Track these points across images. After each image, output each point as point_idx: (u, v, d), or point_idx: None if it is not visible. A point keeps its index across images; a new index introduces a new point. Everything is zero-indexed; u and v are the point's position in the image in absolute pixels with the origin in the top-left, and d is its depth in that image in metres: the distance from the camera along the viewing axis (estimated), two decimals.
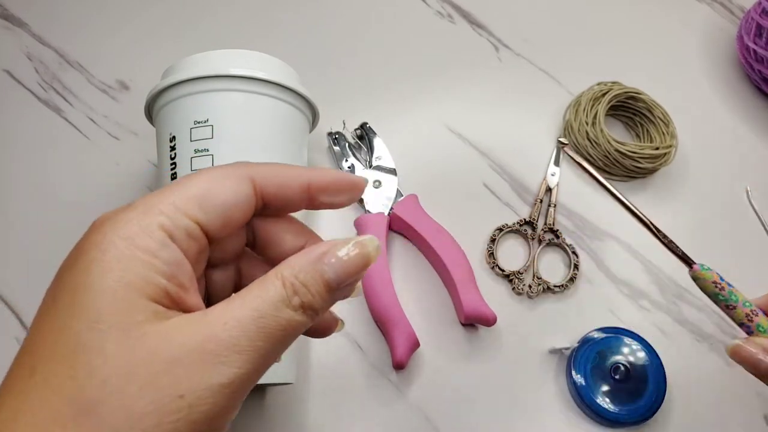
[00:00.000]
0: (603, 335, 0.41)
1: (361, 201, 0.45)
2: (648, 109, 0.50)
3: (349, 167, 0.46)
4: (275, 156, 0.37)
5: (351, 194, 0.24)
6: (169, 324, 0.19)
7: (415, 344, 0.40)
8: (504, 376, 0.41)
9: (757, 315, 0.34)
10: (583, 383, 0.40)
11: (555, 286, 0.44)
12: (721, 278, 0.35)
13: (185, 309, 0.20)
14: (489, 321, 0.41)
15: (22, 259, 0.43)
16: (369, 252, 0.21)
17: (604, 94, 0.49)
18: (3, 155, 0.46)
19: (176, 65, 0.38)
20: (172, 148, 0.37)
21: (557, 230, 0.46)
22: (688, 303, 0.45)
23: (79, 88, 0.49)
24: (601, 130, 0.48)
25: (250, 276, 0.25)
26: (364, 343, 0.42)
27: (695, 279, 0.35)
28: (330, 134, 0.47)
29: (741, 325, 0.35)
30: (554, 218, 0.47)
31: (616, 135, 0.50)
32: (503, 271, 0.44)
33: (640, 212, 0.37)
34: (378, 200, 0.45)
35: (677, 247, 0.36)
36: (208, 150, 0.36)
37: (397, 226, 0.45)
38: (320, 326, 0.25)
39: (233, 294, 0.20)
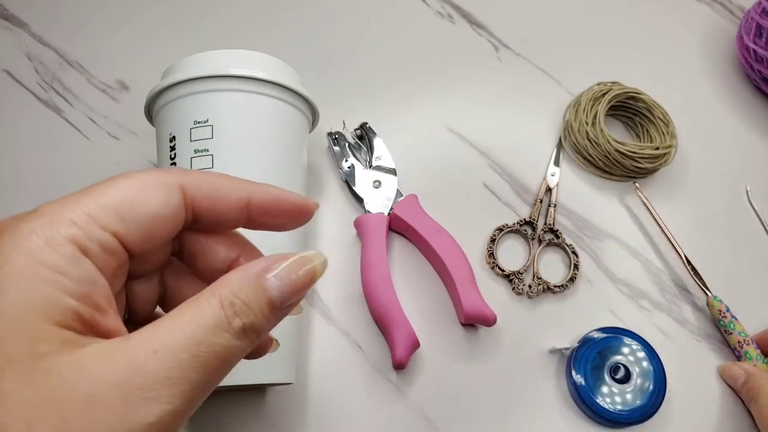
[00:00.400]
0: (603, 335, 0.41)
1: (361, 201, 0.45)
2: (648, 109, 0.50)
3: (349, 167, 0.46)
4: (275, 156, 0.37)
5: (297, 219, 0.22)
6: (82, 354, 0.16)
7: (415, 344, 0.40)
8: (504, 376, 0.41)
9: (748, 344, 0.42)
10: (583, 383, 0.40)
11: (555, 286, 0.44)
12: (728, 309, 0.43)
13: (102, 334, 0.17)
14: (489, 321, 0.41)
15: None
16: (315, 268, 0.20)
17: (604, 94, 0.49)
18: (3, 155, 0.46)
19: (176, 65, 0.38)
20: (172, 148, 0.37)
21: (557, 230, 0.46)
22: (688, 303, 0.45)
23: (79, 88, 0.49)
24: (601, 130, 0.48)
25: (176, 288, 0.23)
26: (364, 343, 0.42)
27: (707, 305, 0.44)
28: (330, 134, 0.47)
29: (733, 349, 0.43)
30: (554, 218, 0.47)
31: (616, 135, 0.50)
32: (503, 271, 0.44)
33: (675, 241, 0.45)
34: (378, 200, 0.45)
35: (700, 276, 0.44)
36: (208, 150, 0.36)
37: (397, 226, 0.45)
38: (254, 348, 0.22)
39: (162, 316, 0.18)
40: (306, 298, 0.43)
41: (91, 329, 0.17)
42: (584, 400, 0.39)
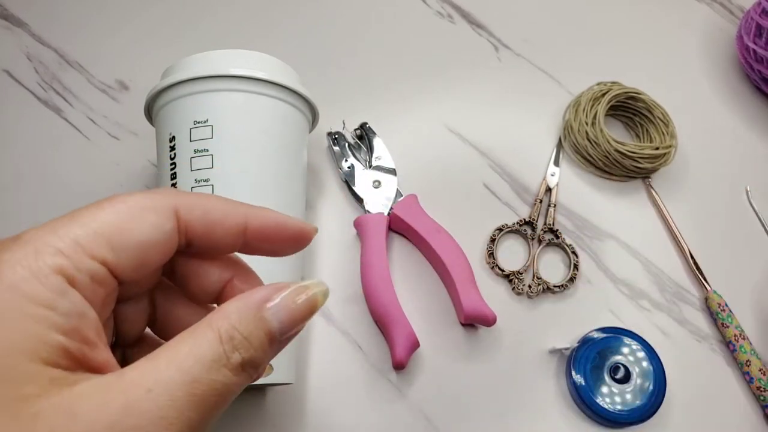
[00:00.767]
0: (603, 335, 0.41)
1: (360, 201, 0.45)
2: (648, 109, 0.50)
3: (348, 167, 0.46)
4: (275, 156, 0.37)
5: (295, 245, 0.21)
6: (71, 394, 0.15)
7: (415, 344, 0.40)
8: (504, 376, 0.41)
9: (743, 339, 0.43)
10: (583, 383, 0.40)
11: (555, 286, 0.44)
12: (726, 304, 0.44)
13: (93, 368, 0.16)
14: (489, 321, 0.41)
15: None
16: (316, 297, 0.19)
17: (603, 94, 0.49)
18: (2, 155, 0.46)
19: (176, 65, 0.38)
20: (172, 148, 0.37)
21: (557, 230, 0.46)
22: (688, 303, 0.45)
23: (79, 88, 0.49)
24: (601, 130, 0.48)
25: (166, 309, 0.22)
26: (364, 343, 0.42)
27: (706, 298, 0.45)
28: (330, 134, 0.47)
29: (728, 343, 0.43)
30: (554, 218, 0.47)
31: (616, 135, 0.50)
32: (503, 271, 0.44)
33: (682, 236, 0.46)
34: (378, 200, 0.45)
35: (701, 271, 0.45)
36: (207, 150, 0.36)
37: (396, 226, 0.45)
38: None
39: (157, 349, 0.17)
40: None
41: (81, 365, 0.16)
42: (584, 400, 0.39)
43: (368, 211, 0.45)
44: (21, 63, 0.50)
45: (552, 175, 0.48)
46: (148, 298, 0.21)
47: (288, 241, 0.21)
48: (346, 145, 0.47)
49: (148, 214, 0.18)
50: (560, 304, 0.44)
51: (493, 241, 0.45)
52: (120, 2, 0.54)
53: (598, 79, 0.52)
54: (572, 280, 0.44)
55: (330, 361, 0.41)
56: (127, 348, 0.22)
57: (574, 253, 0.45)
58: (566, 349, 0.42)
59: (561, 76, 0.53)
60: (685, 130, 0.51)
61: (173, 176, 0.36)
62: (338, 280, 0.43)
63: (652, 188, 0.48)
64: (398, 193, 0.46)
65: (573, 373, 0.40)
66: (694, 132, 0.52)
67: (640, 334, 0.42)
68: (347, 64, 0.52)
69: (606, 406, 0.39)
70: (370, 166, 0.47)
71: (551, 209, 0.47)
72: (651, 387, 0.40)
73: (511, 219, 0.47)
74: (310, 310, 0.19)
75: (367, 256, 0.42)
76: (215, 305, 0.22)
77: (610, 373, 0.40)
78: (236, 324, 0.17)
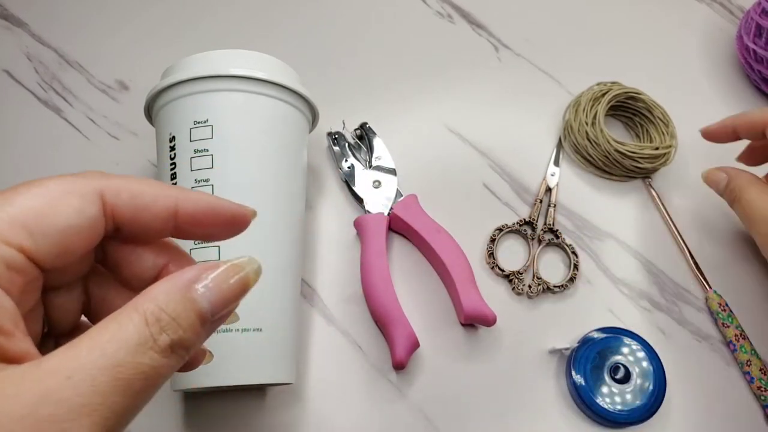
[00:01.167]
0: (603, 335, 0.41)
1: (360, 201, 0.45)
2: (648, 109, 0.50)
3: (348, 167, 0.46)
4: (275, 156, 0.37)
5: (230, 229, 0.21)
6: None
7: (415, 344, 0.40)
8: (504, 376, 0.41)
9: (744, 339, 0.42)
10: (583, 383, 0.40)
11: (555, 286, 0.44)
12: (726, 304, 0.44)
13: (9, 359, 0.16)
14: (489, 321, 0.41)
15: None
16: (248, 275, 0.18)
17: (603, 94, 0.49)
18: (3, 155, 0.46)
19: (176, 65, 0.38)
20: (172, 148, 0.37)
21: (557, 230, 0.46)
22: (688, 303, 0.45)
23: (79, 88, 0.49)
24: (601, 130, 0.48)
25: (101, 297, 0.21)
26: (364, 343, 0.42)
27: (707, 299, 0.44)
28: (330, 134, 0.47)
29: (729, 343, 0.43)
30: (554, 218, 0.47)
31: (616, 135, 0.50)
32: (503, 271, 0.44)
33: (682, 237, 0.46)
34: (378, 200, 0.45)
35: (701, 271, 0.45)
36: (207, 150, 0.36)
37: (396, 226, 0.45)
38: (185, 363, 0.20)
39: (79, 335, 0.16)
40: (306, 298, 0.43)
41: None
42: (584, 400, 0.39)
43: (368, 211, 0.45)
44: (21, 63, 0.50)
45: (552, 175, 0.48)
46: (81, 285, 0.21)
47: (222, 225, 0.20)
48: (346, 145, 0.47)
49: (71, 198, 0.17)
50: (560, 304, 0.44)
51: (493, 241, 0.45)
52: (120, 2, 0.54)
53: (598, 79, 0.52)
54: (572, 280, 0.44)
55: (330, 361, 0.41)
56: (62, 337, 0.21)
57: (574, 253, 0.45)
58: (566, 349, 0.42)
59: (561, 76, 0.53)
60: (685, 130, 0.51)
61: (173, 176, 0.36)
62: (338, 280, 0.43)
63: (652, 188, 0.48)
64: (398, 193, 0.46)
65: (573, 373, 0.40)
66: (694, 132, 0.52)
67: (640, 334, 0.42)
68: (347, 64, 0.52)
69: (606, 406, 0.39)
70: (370, 166, 0.47)
71: (551, 209, 0.47)
72: (651, 387, 0.40)
73: (511, 219, 0.47)
74: (242, 289, 0.18)
75: (367, 256, 0.42)
76: None
77: (610, 373, 0.40)
78: (163, 305, 0.17)
